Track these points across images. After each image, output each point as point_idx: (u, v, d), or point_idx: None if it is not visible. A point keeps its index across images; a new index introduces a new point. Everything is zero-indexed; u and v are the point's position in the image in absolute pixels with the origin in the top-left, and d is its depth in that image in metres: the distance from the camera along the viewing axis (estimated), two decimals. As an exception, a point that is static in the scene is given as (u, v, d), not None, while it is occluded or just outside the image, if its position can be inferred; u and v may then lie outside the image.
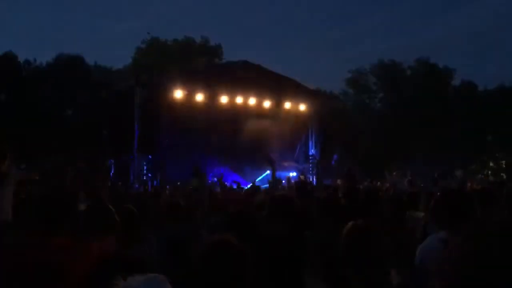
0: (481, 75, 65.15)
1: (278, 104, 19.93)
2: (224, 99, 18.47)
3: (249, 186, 14.17)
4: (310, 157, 21.21)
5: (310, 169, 20.66)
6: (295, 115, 20.72)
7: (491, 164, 34.87)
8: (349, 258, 2.51)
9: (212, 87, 18.04)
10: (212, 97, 18.26)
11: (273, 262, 2.73)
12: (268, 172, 17.66)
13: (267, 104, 19.63)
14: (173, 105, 17.75)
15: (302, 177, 17.23)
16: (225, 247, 1.82)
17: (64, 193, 2.99)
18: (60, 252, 2.45)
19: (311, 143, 21.56)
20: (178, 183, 14.76)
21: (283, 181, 16.63)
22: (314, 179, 19.49)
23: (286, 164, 19.82)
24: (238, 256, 1.79)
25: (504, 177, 28.61)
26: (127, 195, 10.14)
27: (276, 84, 19.18)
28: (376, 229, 2.81)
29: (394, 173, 20.37)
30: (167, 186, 14.11)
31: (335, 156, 20.86)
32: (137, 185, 15.20)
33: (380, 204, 3.60)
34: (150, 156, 17.56)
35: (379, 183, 17.86)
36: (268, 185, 14.92)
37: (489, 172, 33.54)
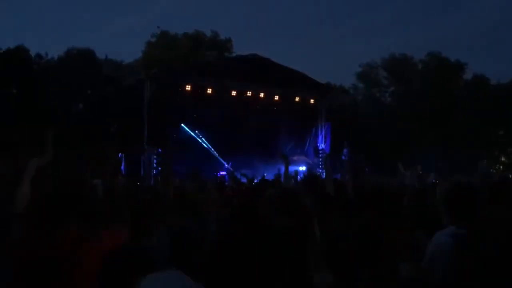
0: (494, 69, 64.36)
1: (287, 97, 19.90)
2: (233, 93, 18.52)
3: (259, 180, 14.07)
4: (320, 151, 21.15)
5: (320, 163, 20.58)
6: (305, 109, 20.69)
7: (503, 159, 34.48)
8: (357, 252, 2.52)
9: (222, 80, 18.06)
10: (221, 91, 18.28)
11: (278, 255, 2.74)
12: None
13: (276, 97, 19.63)
14: (183, 98, 17.82)
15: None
16: (229, 245, 1.84)
17: (72, 189, 3.02)
18: (68, 247, 2.48)
19: (320, 137, 21.50)
20: (191, 173, 14.67)
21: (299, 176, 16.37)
22: (324, 173, 19.39)
23: (295, 158, 19.76)
24: (242, 255, 1.81)
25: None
26: (137, 188, 10.17)
27: (286, 78, 19.14)
28: (383, 224, 2.81)
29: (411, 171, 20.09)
30: (177, 179, 14.02)
31: (345, 150, 20.73)
32: (146, 179, 15.24)
33: (387, 199, 3.59)
34: (160, 150, 17.60)
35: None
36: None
37: (501, 167, 33.18)
